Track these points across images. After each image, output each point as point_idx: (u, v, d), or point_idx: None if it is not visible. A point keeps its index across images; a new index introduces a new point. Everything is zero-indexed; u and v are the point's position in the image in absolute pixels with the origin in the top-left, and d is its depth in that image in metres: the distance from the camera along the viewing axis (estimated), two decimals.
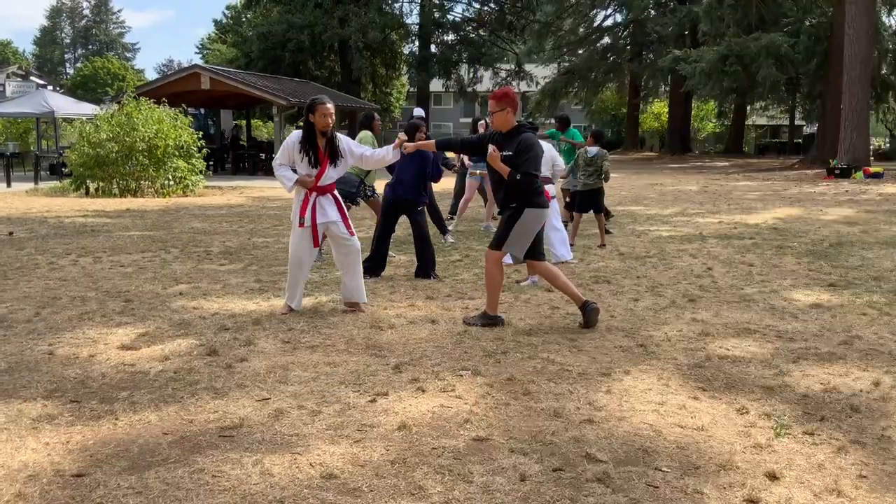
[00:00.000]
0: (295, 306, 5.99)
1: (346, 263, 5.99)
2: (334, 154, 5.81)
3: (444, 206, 10.79)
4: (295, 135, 5.81)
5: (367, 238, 10.27)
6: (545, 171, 8.28)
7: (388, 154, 6.03)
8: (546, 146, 8.43)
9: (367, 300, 6.13)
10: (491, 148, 5.49)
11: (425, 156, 7.54)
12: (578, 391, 4.20)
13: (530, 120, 5.67)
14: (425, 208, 7.98)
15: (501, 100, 5.45)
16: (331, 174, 5.83)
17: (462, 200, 11.22)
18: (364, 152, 6.03)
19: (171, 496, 2.98)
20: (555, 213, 8.37)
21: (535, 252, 5.68)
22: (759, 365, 4.68)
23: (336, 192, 5.96)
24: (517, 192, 5.46)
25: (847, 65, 22.96)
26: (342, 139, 5.92)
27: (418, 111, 11.37)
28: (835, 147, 24.35)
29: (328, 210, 5.84)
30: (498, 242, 5.56)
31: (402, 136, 6.14)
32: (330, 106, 5.73)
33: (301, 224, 5.78)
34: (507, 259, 8.09)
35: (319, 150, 5.74)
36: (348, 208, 7.43)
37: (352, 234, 5.95)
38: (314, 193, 5.78)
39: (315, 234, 5.83)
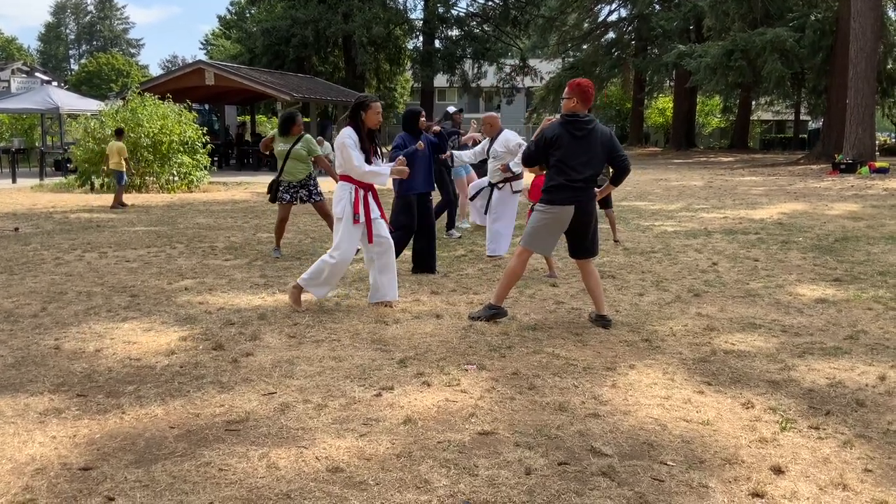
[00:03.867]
0: (321, 296, 6.02)
1: (378, 261, 5.97)
2: (376, 152, 5.88)
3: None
4: (351, 132, 5.72)
5: None
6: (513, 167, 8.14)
7: (387, 176, 5.92)
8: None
9: (398, 297, 6.11)
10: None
11: (429, 142, 7.42)
12: (583, 385, 4.20)
13: (583, 113, 5.54)
14: (444, 200, 7.88)
15: (572, 89, 5.36)
16: (386, 181, 5.88)
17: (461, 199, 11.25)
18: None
19: (177, 489, 3.00)
20: (507, 205, 8.25)
21: (577, 249, 5.53)
22: (765, 359, 4.68)
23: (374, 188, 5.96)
24: (543, 184, 5.56)
25: (853, 59, 22.86)
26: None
27: (452, 109, 11.37)
28: (840, 142, 24.28)
29: (374, 206, 5.88)
30: (524, 235, 5.58)
31: (402, 159, 6.07)
32: (380, 104, 5.80)
33: (356, 220, 5.73)
34: (498, 251, 8.11)
35: (369, 148, 5.79)
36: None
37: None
38: (362, 190, 5.78)
39: (370, 229, 5.80)
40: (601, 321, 5.43)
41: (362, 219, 5.73)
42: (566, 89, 5.43)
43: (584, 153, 5.28)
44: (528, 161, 5.57)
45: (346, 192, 5.76)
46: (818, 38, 27.87)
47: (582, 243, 5.47)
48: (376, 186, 5.92)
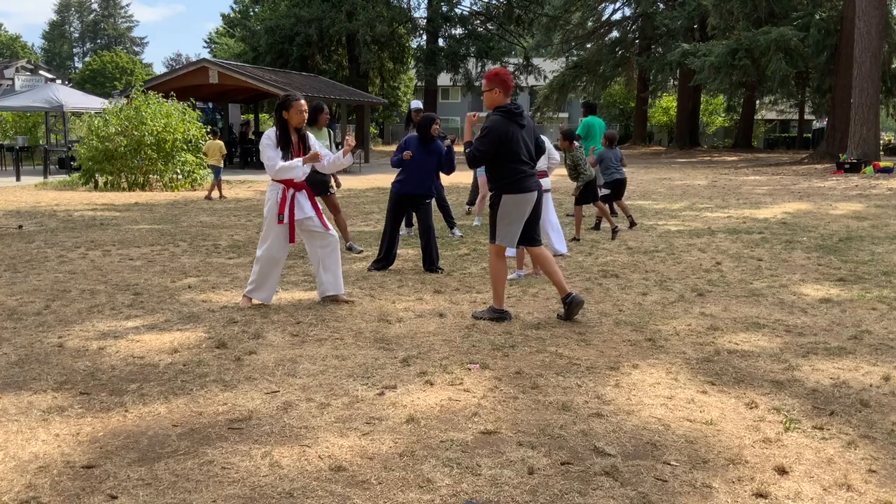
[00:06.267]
0: (265, 300, 5.97)
1: (322, 256, 5.98)
2: (306, 150, 5.82)
3: (453, 200, 10.76)
4: (271, 132, 5.78)
5: (372, 231, 10.28)
6: (541, 164, 8.18)
7: (341, 159, 5.97)
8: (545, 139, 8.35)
9: (344, 291, 6.15)
10: (470, 113, 5.71)
11: (438, 150, 7.55)
12: (587, 385, 4.19)
13: (515, 103, 5.63)
14: (433, 202, 7.99)
15: (491, 80, 5.50)
16: (304, 170, 5.83)
17: (479, 196, 11.27)
18: (325, 155, 5.95)
19: (180, 488, 3.00)
20: (549, 207, 8.24)
21: (528, 237, 5.64)
22: (769, 359, 4.67)
23: (308, 187, 5.98)
24: (493, 180, 5.54)
25: (857, 59, 22.81)
26: (310, 136, 5.94)
27: (415, 104, 11.38)
28: (844, 142, 24.22)
29: (304, 206, 5.87)
30: (491, 235, 5.60)
31: (351, 140, 6.00)
32: (304, 102, 5.76)
33: (280, 221, 5.76)
34: (512, 252, 8.08)
35: (293, 146, 5.76)
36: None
37: (327, 228, 5.96)
38: (291, 189, 5.79)
39: (292, 230, 5.82)
40: (574, 303, 5.47)
41: (286, 219, 5.76)
42: (485, 82, 5.55)
43: (529, 141, 5.57)
44: (479, 161, 5.49)
45: (273, 194, 5.81)
46: (823, 37, 27.82)
47: (535, 228, 5.66)
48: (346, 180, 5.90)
